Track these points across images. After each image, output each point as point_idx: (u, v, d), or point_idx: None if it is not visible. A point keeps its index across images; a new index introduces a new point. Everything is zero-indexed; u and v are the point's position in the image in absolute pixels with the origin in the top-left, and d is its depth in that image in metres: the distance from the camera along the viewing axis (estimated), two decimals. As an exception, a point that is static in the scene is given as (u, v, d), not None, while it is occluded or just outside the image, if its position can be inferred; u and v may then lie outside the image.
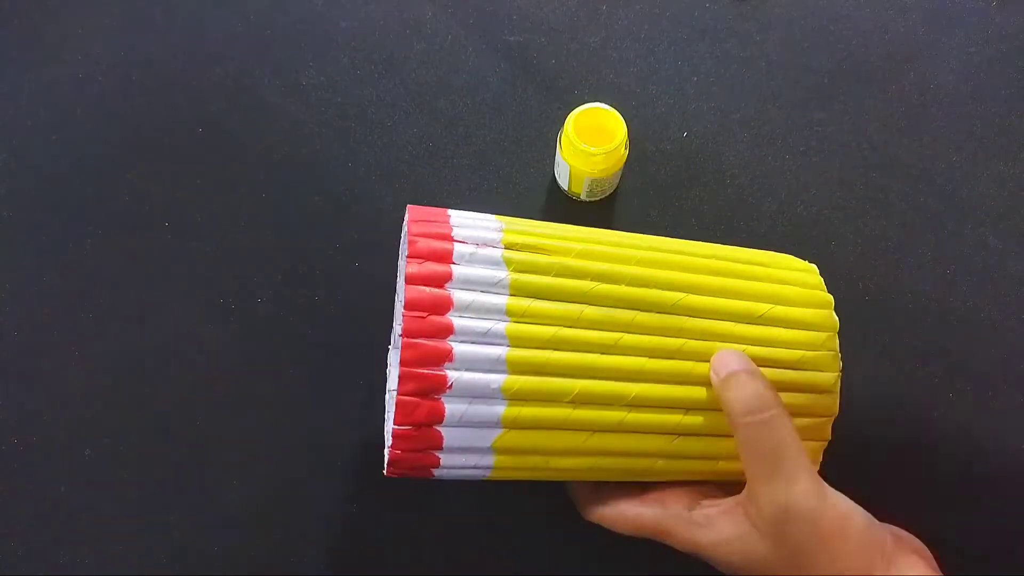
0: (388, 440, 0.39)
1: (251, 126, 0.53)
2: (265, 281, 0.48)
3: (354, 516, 0.43)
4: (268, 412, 0.45)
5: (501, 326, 0.34)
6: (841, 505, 0.34)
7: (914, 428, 0.46)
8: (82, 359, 0.46)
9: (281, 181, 0.51)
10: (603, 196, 0.51)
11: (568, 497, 0.40)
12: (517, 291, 0.35)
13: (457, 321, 0.33)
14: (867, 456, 0.45)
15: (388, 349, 0.43)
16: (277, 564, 0.42)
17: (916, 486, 0.45)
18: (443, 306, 0.34)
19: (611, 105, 0.47)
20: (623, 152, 0.48)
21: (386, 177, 0.52)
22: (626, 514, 0.38)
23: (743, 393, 0.34)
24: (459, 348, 0.33)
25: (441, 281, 0.34)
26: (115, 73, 0.54)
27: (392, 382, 0.42)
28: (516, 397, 0.34)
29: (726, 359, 0.35)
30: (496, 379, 0.33)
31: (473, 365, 0.33)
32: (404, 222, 0.39)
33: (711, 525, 0.35)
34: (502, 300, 0.34)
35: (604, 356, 0.35)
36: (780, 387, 0.36)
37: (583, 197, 0.51)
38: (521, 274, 0.35)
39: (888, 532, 0.34)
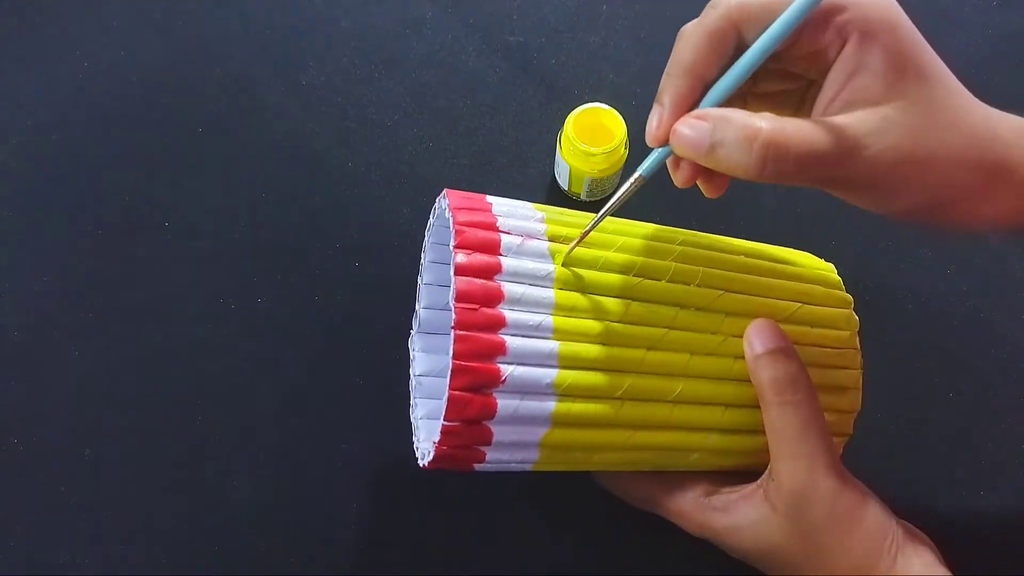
0: (418, 427, 0.39)
1: (251, 126, 0.53)
2: (265, 281, 0.48)
3: (355, 515, 0.43)
4: (268, 412, 0.45)
5: (551, 320, 0.33)
6: (859, 490, 0.34)
7: (914, 428, 0.46)
8: (82, 359, 0.46)
9: (281, 181, 0.51)
10: (603, 196, 0.51)
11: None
12: (565, 285, 0.34)
13: (509, 314, 0.33)
14: (867, 456, 0.44)
15: (410, 334, 0.43)
16: (277, 564, 0.42)
17: (916, 486, 0.45)
18: (494, 298, 0.33)
19: (611, 105, 0.47)
20: (623, 152, 0.48)
21: (386, 177, 0.52)
22: (641, 489, 0.38)
23: (776, 373, 0.34)
24: (512, 341, 0.32)
25: (491, 273, 0.33)
26: (115, 73, 0.54)
27: (419, 367, 0.42)
28: (567, 392, 0.33)
29: (763, 334, 0.35)
30: (548, 374, 0.33)
31: (526, 359, 0.33)
32: (438, 205, 0.38)
33: (728, 510, 0.35)
34: (551, 294, 0.34)
35: (651, 351, 0.35)
36: None
37: (583, 197, 0.51)
38: (568, 267, 0.35)
39: (901, 524, 0.35)
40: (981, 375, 0.47)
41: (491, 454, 0.33)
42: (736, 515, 0.35)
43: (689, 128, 0.30)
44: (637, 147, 0.52)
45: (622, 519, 0.40)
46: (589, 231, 0.35)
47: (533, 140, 0.53)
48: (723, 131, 0.29)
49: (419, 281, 0.42)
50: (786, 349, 0.35)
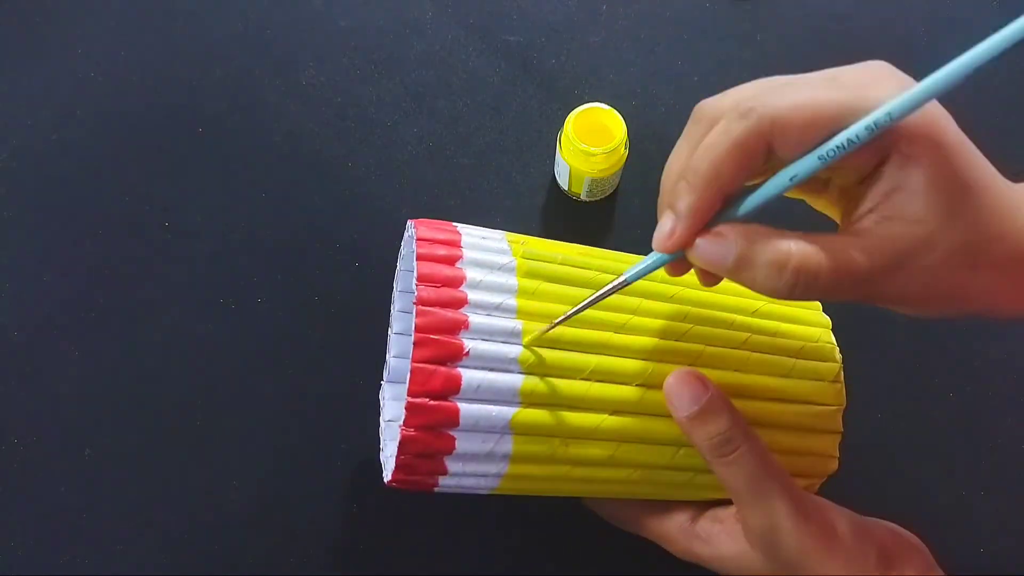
0: (386, 467, 0.38)
1: (251, 126, 0.53)
2: (265, 281, 0.48)
3: (354, 516, 0.43)
4: (268, 412, 0.45)
5: (513, 302, 0.34)
6: (825, 517, 0.34)
7: (914, 428, 0.46)
8: (82, 359, 0.46)
9: (281, 181, 0.51)
10: (603, 196, 0.51)
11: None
12: (527, 275, 0.35)
13: (471, 294, 0.34)
14: (867, 456, 0.45)
15: (380, 384, 0.43)
16: (277, 564, 0.42)
17: (916, 486, 0.45)
18: (455, 281, 0.34)
19: (611, 105, 0.47)
20: (623, 152, 0.48)
21: (386, 177, 0.52)
22: (627, 512, 0.38)
23: (709, 435, 0.33)
24: (474, 318, 0.33)
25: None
26: (115, 73, 0.54)
27: (388, 414, 0.41)
28: (533, 370, 0.33)
29: (684, 391, 0.34)
30: (513, 350, 0.33)
31: (489, 335, 0.33)
32: (403, 247, 0.38)
33: (711, 541, 0.35)
34: (512, 281, 0.35)
35: (617, 335, 0.35)
36: (784, 373, 0.37)
37: (583, 197, 0.51)
38: (528, 279, 0.36)
39: (886, 532, 0.34)
40: (981, 375, 0.47)
41: (458, 450, 0.33)
42: (719, 547, 0.35)
43: (712, 244, 0.28)
44: (637, 147, 0.52)
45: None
46: (557, 324, 0.34)
47: (533, 140, 0.53)
48: (749, 252, 0.27)
49: (388, 331, 0.42)
50: (711, 406, 0.33)
